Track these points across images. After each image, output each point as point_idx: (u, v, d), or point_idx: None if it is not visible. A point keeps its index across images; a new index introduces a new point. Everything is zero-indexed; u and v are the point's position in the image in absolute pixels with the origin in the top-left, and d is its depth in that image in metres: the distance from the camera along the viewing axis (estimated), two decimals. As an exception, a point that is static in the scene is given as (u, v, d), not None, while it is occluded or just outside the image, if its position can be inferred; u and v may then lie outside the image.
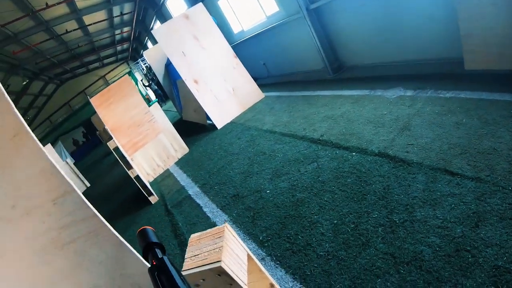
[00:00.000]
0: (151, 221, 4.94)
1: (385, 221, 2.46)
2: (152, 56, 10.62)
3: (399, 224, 2.36)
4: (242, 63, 7.94)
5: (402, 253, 2.13)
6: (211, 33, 7.81)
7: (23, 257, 1.13)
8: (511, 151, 2.51)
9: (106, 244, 1.22)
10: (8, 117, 1.17)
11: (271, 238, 2.99)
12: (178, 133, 7.17)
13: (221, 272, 1.06)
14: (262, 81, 9.56)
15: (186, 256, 1.22)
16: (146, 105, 6.86)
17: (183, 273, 1.12)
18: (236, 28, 10.42)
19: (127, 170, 5.66)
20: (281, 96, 7.41)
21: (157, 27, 7.87)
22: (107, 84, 27.68)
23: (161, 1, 15.32)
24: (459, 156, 2.73)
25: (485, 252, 1.87)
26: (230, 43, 8.20)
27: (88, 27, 17.09)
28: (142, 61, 26.61)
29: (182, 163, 6.72)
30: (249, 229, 3.30)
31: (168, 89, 11.09)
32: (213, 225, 3.79)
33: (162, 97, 21.17)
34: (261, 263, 1.40)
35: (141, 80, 26.10)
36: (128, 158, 5.79)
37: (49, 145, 10.58)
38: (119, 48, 26.79)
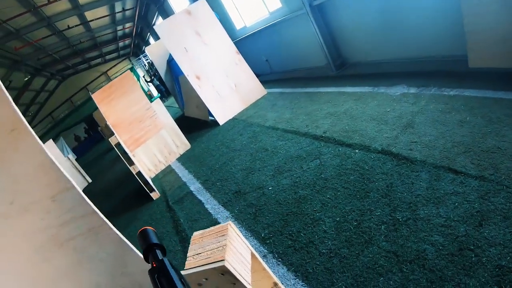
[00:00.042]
0: (153, 217, 4.94)
1: (388, 219, 2.45)
2: (154, 52, 10.59)
3: (402, 222, 2.35)
4: (244, 59, 7.91)
5: (405, 251, 2.12)
6: (214, 29, 7.77)
7: (21, 254, 1.12)
8: (516, 150, 2.49)
9: (106, 241, 1.21)
10: (5, 111, 1.15)
11: (273, 235, 2.99)
12: (180, 129, 7.16)
13: (224, 272, 1.05)
14: (265, 78, 9.52)
15: (188, 254, 1.20)
16: (148, 101, 6.85)
17: (185, 272, 1.11)
18: (238, 24, 10.38)
19: (128, 166, 5.66)
20: (284, 92, 7.38)
21: (159, 23, 7.84)
22: (109, 80, 27.65)
23: (163, -3, 15.28)
24: (463, 154, 2.71)
25: (488, 252, 1.85)
26: (232, 39, 8.17)
27: (90, 23, 17.05)
28: (144, 57, 26.63)
29: (184, 159, 6.72)
30: (251, 226, 3.29)
31: (170, 85, 11.07)
32: (215, 221, 3.78)
33: (164, 93, 21.17)
34: (263, 260, 1.39)
35: (143, 76, 26.09)
36: (130, 154, 5.79)
37: (50, 141, 10.58)
38: (121, 44, 26.73)
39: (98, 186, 10.01)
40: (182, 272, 1.09)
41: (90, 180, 11.14)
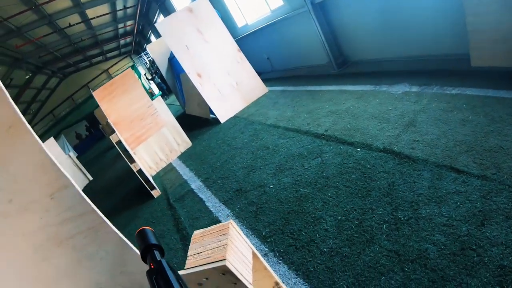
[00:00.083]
0: (153, 215, 4.94)
1: (389, 218, 2.44)
2: (155, 49, 10.59)
3: (404, 221, 2.34)
4: (246, 57, 7.90)
5: (407, 250, 2.11)
6: (215, 26, 7.76)
7: (21, 253, 1.11)
8: (519, 149, 2.48)
9: (106, 240, 1.20)
10: (2, 108, 1.13)
11: (274, 233, 2.98)
12: (181, 127, 7.16)
13: (225, 271, 1.03)
14: (266, 76, 9.50)
15: (188, 253, 1.19)
16: (149, 99, 6.84)
17: (186, 271, 1.10)
18: (240, 22, 10.35)
19: (129, 164, 5.66)
20: (285, 90, 7.37)
21: (160, 21, 7.82)
22: (110, 78, 27.62)
23: (165, -6, 15.25)
24: (465, 153, 2.70)
25: (490, 252, 1.84)
26: (234, 37, 8.15)
27: (91, 21, 16.99)
28: (145, 55, 26.60)
29: (185, 157, 6.71)
30: (252, 224, 3.29)
31: (171, 82, 11.06)
32: (216, 219, 3.78)
33: (165, 91, 21.15)
34: (264, 259, 1.38)
35: (145, 74, 26.07)
36: (131, 152, 5.78)
37: (51, 138, 10.57)
38: (122, 42, 26.67)
39: (99, 184, 10.02)
40: (182, 272, 1.09)
41: (91, 178, 11.14)
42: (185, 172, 5.84)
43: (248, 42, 9.90)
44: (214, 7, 7.99)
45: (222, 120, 7.42)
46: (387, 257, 2.14)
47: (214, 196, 4.32)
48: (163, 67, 10.76)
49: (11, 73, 15.80)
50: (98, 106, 7.36)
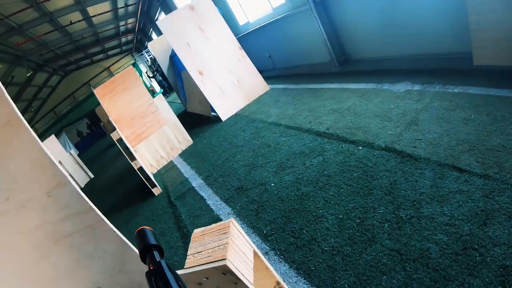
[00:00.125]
0: (154, 213, 4.94)
1: (391, 217, 2.43)
2: (156, 47, 10.57)
3: (405, 220, 2.33)
4: (247, 55, 7.88)
5: (409, 250, 2.10)
6: (216, 24, 7.74)
7: (19, 251, 1.09)
8: (522, 148, 2.46)
9: (104, 239, 1.19)
10: None
11: (275, 232, 2.97)
12: (182, 124, 7.15)
13: (226, 271, 1.02)
14: (268, 74, 9.48)
15: (188, 253, 1.17)
16: (150, 96, 6.82)
17: (185, 271, 1.08)
18: (241, 20, 10.32)
19: (130, 161, 5.66)
20: (287, 88, 7.35)
21: (162, 18, 7.81)
22: (111, 75, 27.59)
23: (166, -8, 15.22)
24: (468, 152, 2.68)
25: (493, 251, 1.83)
26: (235, 35, 8.13)
27: (92, 19, 16.98)
28: (146, 52, 26.56)
29: (186, 155, 6.71)
30: (253, 222, 3.28)
31: (173, 80, 11.06)
32: (217, 217, 3.77)
33: (166, 89, 21.12)
34: (265, 257, 1.37)
35: (146, 72, 26.04)
36: (132, 150, 5.78)
37: (53, 136, 10.58)
38: (123, 39, 26.66)
39: (100, 181, 10.04)
40: (182, 271, 1.07)
41: (92, 176, 11.16)
42: (186, 170, 5.83)
43: (250, 40, 9.87)
44: (216, 5, 7.96)
45: (223, 118, 7.41)
46: (389, 256, 2.13)
47: (215, 194, 4.31)
48: (164, 64, 10.75)
49: (12, 71, 15.81)
50: (99, 104, 7.35)
